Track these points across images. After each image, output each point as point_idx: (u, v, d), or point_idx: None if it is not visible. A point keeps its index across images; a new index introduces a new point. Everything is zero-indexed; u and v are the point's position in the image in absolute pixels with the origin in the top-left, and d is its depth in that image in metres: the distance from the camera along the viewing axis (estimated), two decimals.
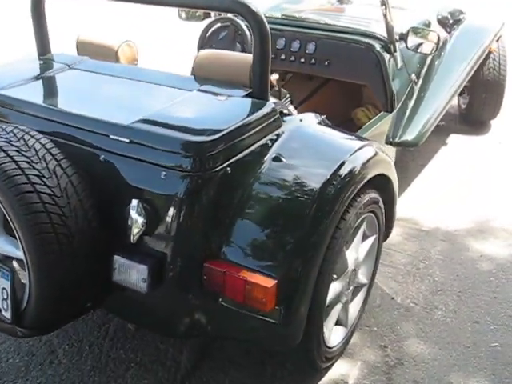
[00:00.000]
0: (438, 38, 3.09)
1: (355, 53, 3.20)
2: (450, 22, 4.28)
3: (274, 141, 2.01)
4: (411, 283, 2.79)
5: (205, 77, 2.28)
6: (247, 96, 2.09)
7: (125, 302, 1.98)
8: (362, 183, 2.05)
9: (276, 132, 2.03)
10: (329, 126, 2.31)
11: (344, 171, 1.97)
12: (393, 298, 2.68)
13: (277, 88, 3.28)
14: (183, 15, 3.86)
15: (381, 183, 2.28)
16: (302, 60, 3.37)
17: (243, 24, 3.37)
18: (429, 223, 3.32)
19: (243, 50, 3.39)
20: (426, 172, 3.90)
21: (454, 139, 4.38)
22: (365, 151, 2.15)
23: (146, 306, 1.93)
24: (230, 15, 3.57)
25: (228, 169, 1.81)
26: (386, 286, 2.75)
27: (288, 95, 3.36)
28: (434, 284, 2.79)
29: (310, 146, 2.08)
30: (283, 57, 3.43)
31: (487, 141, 4.36)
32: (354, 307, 2.38)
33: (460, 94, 4.56)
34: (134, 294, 1.83)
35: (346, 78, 3.31)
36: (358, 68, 3.19)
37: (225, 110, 2.03)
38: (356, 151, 2.09)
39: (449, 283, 2.80)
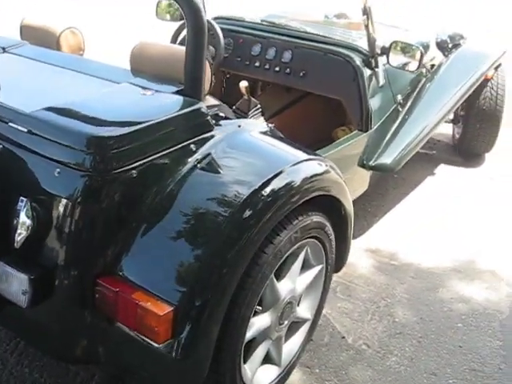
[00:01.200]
0: (421, 54, 2.82)
1: (332, 64, 2.94)
2: (448, 46, 4.02)
3: (199, 145, 1.74)
4: (367, 322, 2.49)
5: (141, 70, 2.03)
6: (177, 93, 1.83)
7: (12, 315, 1.70)
8: (300, 202, 1.77)
9: (204, 136, 1.76)
10: (275, 136, 2.05)
11: (276, 185, 1.69)
12: (343, 338, 2.38)
13: (246, 97, 3.04)
14: (167, 17, 3.62)
15: (330, 206, 2.00)
16: (277, 69, 3.12)
17: (217, 26, 3.13)
18: (401, 257, 3.02)
19: (215, 54, 3.15)
20: (408, 201, 3.60)
21: (443, 170, 4.09)
22: (309, 166, 1.88)
23: (31, 321, 1.66)
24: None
25: (134, 171, 1.55)
26: (338, 323, 2.45)
27: (258, 106, 3.11)
28: (393, 325, 2.49)
29: (242, 154, 1.81)
30: (257, 64, 3.18)
31: (478, 175, 4.06)
32: (292, 345, 2.09)
33: (455, 123, 4.29)
34: (17, 308, 1.56)
35: (321, 91, 3.05)
36: (334, 81, 2.93)
37: (145, 105, 1.77)
38: (297, 164, 1.82)
39: (410, 326, 2.50)
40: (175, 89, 1.85)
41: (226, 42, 3.29)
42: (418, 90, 3.49)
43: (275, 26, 3.23)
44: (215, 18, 3.46)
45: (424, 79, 3.59)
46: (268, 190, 1.66)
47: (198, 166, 1.69)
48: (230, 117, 2.04)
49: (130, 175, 1.54)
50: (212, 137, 1.78)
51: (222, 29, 3.26)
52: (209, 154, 1.72)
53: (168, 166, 1.65)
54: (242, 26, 3.32)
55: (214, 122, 1.82)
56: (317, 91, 3.07)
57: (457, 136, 4.33)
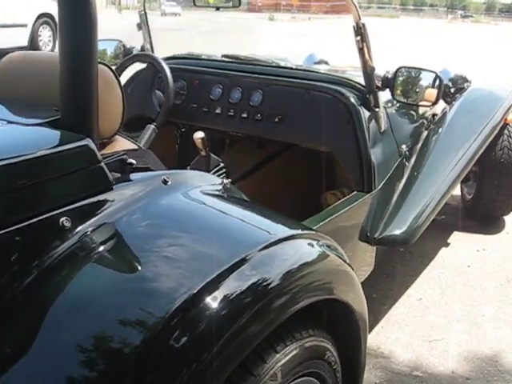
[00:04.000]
0: (440, 82, 2.09)
1: (318, 104, 2.19)
2: (451, 91, 3.33)
3: (80, 217, 0.93)
4: None
5: (11, 88, 1.25)
6: (50, 124, 1.04)
7: None
8: (276, 324, 0.95)
9: (94, 198, 0.96)
10: (234, 200, 1.25)
11: (227, 293, 0.90)
12: None
13: (203, 153, 2.26)
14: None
15: (333, 315, 1.19)
16: (244, 115, 2.35)
17: (165, 65, 2.39)
18: (426, 365, 2.18)
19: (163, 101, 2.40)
20: (421, 282, 2.78)
21: (457, 238, 3.30)
22: (293, 248, 1.08)
23: None
24: (147, 52, 2.62)
25: None
26: None
27: (221, 164, 2.33)
28: None
29: (166, 233, 1.01)
30: (218, 111, 2.42)
31: (499, 241, 3.28)
32: None
33: (463, 182, 3.54)
34: None
35: (303, 141, 2.29)
36: (321, 126, 2.17)
37: None
38: (271, 246, 1.03)
39: None
40: (47, 118, 1.06)
41: (179, 85, 2.55)
42: (421, 142, 2.75)
43: (240, 62, 2.49)
44: (167, 58, 2.74)
45: (426, 131, 2.87)
46: (209, 305, 0.85)
47: (74, 259, 0.87)
48: (151, 167, 1.25)
49: None
50: (112, 201, 0.97)
51: (176, 69, 2.53)
52: (102, 232, 0.92)
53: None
54: (198, 65, 2.59)
55: (119, 175, 1.02)
56: (298, 141, 2.30)
57: (468, 197, 3.57)
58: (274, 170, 2.60)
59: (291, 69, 2.39)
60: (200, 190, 1.18)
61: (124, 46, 2.80)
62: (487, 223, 3.48)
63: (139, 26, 2.68)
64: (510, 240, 3.30)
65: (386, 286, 2.70)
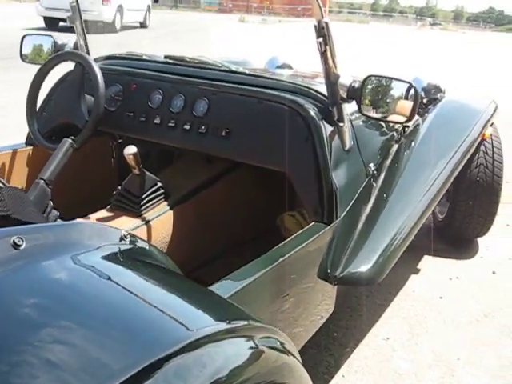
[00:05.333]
0: (416, 94, 1.78)
1: (271, 117, 1.85)
2: (423, 102, 3.04)
3: None
4: None
5: None
6: None
7: None
8: None
9: None
10: (136, 273, 0.91)
11: None
12: None
13: (136, 171, 1.91)
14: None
15: None
16: (187, 127, 2.00)
17: (95, 65, 2.03)
18: None
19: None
20: (390, 318, 2.47)
21: (428, 263, 3.01)
22: (217, 353, 0.75)
23: None
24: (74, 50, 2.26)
25: None
26: None
27: (158, 184, 1.99)
28: None
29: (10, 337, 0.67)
30: (157, 121, 2.07)
31: (474, 266, 3.00)
32: None
33: None
34: None
35: (252, 160, 1.94)
36: (274, 143, 1.83)
37: None
38: (180, 353, 0.72)
39: None
40: None
41: (114, 89, 2.19)
42: (391, 157, 2.44)
43: (184, 64, 2.14)
44: (107, 58, 2.39)
45: (396, 145, 2.56)
46: None
47: None
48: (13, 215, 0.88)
49: None
50: None
51: (111, 71, 2.18)
52: None
53: None
54: (137, 67, 2.23)
55: None
56: (246, 159, 1.96)
57: (440, 216, 3.29)
58: (225, 187, 2.25)
59: (243, 74, 2.04)
60: (78, 256, 0.82)
61: (55, 42, 2.43)
62: (460, 246, 3.21)
63: (71, 20, 2.31)
64: (485, 266, 3.02)
65: (350, 322, 2.38)
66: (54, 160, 1.80)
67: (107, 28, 12.85)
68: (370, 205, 2.10)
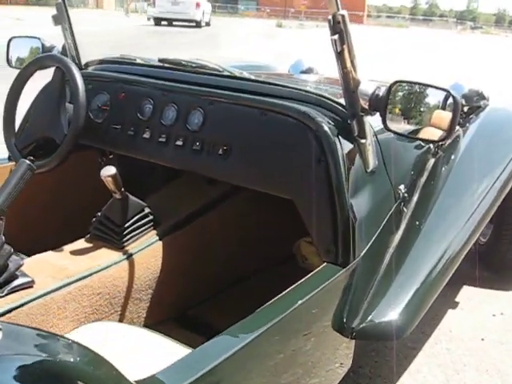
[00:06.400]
0: (456, 105, 1.43)
1: (276, 132, 1.53)
2: (464, 111, 2.66)
3: None
4: None
5: None
6: None
7: None
8: None
9: None
10: None
11: None
12: None
13: (117, 195, 1.61)
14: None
15: None
16: (179, 142, 1.70)
17: (76, 71, 1.75)
18: None
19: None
20: (414, 372, 2.11)
21: (468, 295, 2.63)
22: None
23: None
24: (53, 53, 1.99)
25: None
26: None
27: (146, 210, 1.69)
28: None
29: None
30: (147, 135, 1.76)
31: None
32: None
33: None
34: None
35: (254, 185, 1.61)
36: (279, 164, 1.50)
37: None
38: None
39: None
40: None
41: (101, 99, 1.90)
42: (425, 177, 2.08)
43: (180, 69, 1.83)
44: (100, 62, 2.11)
45: (432, 160, 2.19)
46: None
47: None
48: None
49: None
50: None
51: (97, 77, 1.90)
52: None
53: None
54: (128, 72, 1.93)
55: None
56: (245, 183, 1.63)
57: (482, 240, 2.90)
58: (227, 213, 1.93)
59: (246, 80, 1.72)
60: None
61: (43, 44, 2.17)
62: (505, 275, 2.81)
63: (56, 19, 2.03)
64: None
65: (375, 369, 2.03)
66: (6, 187, 1.50)
67: (197, 24, 20.42)
68: (398, 236, 1.75)
